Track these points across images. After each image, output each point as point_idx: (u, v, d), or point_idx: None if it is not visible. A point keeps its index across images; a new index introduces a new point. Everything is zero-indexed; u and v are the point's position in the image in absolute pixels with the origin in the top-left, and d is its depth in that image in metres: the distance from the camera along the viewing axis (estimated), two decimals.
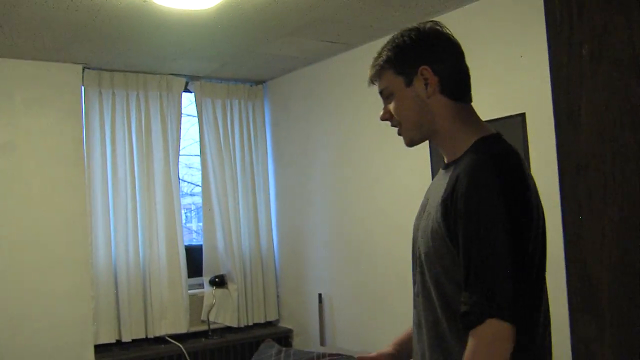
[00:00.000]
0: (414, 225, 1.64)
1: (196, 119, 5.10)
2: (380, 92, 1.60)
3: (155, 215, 4.70)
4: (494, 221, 1.35)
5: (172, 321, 4.68)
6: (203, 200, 5.04)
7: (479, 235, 1.35)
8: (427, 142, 1.68)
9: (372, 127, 4.32)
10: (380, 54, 1.59)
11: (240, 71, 4.99)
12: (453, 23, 1.67)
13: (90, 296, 4.37)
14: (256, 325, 5.14)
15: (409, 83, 1.53)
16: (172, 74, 4.86)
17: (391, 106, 1.58)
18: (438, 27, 1.58)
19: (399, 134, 1.62)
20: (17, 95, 4.20)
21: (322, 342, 4.73)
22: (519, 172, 1.42)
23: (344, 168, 4.64)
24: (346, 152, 4.61)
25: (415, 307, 1.59)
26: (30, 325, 4.10)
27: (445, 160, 1.59)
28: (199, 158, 5.09)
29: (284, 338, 5.10)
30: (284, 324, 5.24)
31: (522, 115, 3.36)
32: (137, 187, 4.64)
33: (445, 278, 1.43)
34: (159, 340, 4.65)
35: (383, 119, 1.62)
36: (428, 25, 1.58)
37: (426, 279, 1.49)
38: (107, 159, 4.56)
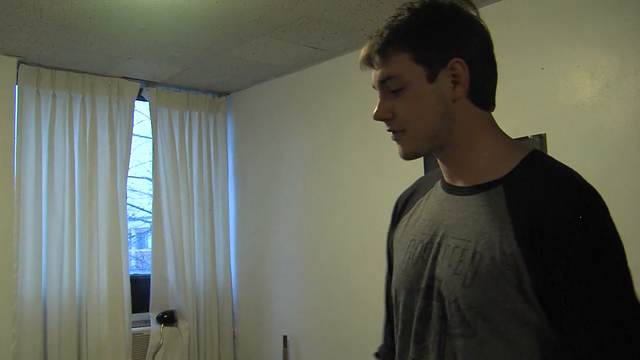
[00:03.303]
0: (413, 272, 1.19)
1: (143, 140, 4.49)
2: (383, 81, 1.15)
3: (97, 239, 4.04)
4: (624, 262, 1.02)
5: None
6: (153, 222, 4.40)
7: (615, 288, 1.00)
8: (421, 158, 1.23)
9: (353, 146, 3.82)
10: (388, 27, 1.14)
11: (203, 79, 4.40)
12: None
13: (11, 334, 3.67)
14: None
15: (432, 77, 1.12)
16: (124, 77, 4.24)
17: (398, 103, 1.14)
18: (463, 5, 1.16)
19: (396, 139, 1.18)
20: None
21: None
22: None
23: (316, 192, 4.10)
24: (319, 173, 4.07)
25: None
26: None
27: (462, 182, 1.18)
28: (140, 180, 4.47)
29: None
30: None
31: (542, 136, 2.90)
32: (76, 206, 3.99)
33: (520, 334, 1.04)
34: None
35: (380, 118, 1.16)
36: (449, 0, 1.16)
37: (476, 340, 1.06)
38: (42, 171, 3.89)
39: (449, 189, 1.20)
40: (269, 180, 4.49)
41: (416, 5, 1.14)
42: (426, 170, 3.36)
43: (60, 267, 3.90)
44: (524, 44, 3.01)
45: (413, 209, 1.30)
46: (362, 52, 1.17)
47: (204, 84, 4.54)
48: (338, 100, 3.93)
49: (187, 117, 4.58)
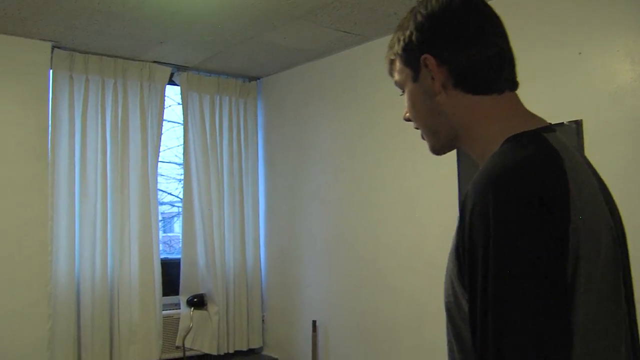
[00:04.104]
0: None
1: (170, 125, 4.52)
2: (396, 86, 1.24)
3: (129, 223, 4.08)
4: (505, 268, 0.89)
5: (142, 347, 4.07)
6: (184, 207, 4.42)
7: (484, 287, 0.90)
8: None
9: (384, 133, 3.80)
10: (390, 41, 1.23)
11: (233, 63, 4.40)
12: (498, 13, 1.20)
13: (47, 315, 3.73)
14: (237, 353, 4.56)
15: (416, 77, 1.17)
16: (155, 62, 4.25)
17: None
18: None
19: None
20: None
21: None
22: (555, 186, 0.95)
23: (347, 178, 4.08)
24: (350, 159, 4.05)
25: None
26: None
27: None
28: (167, 165, 4.50)
29: None
30: (269, 353, 4.64)
31: (579, 122, 2.84)
32: (108, 190, 4.03)
33: (468, 335, 1.00)
34: None
35: (404, 119, 1.25)
36: None
37: (450, 335, 1.08)
38: (75, 156, 3.93)
39: None
40: (299, 165, 4.48)
41: (417, 4, 1.19)
42: (459, 158, 3.33)
43: (93, 250, 3.95)
44: (561, 28, 2.95)
45: None
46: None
47: (235, 68, 4.54)
48: (369, 85, 3.90)
49: (218, 101, 4.59)
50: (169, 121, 5.32)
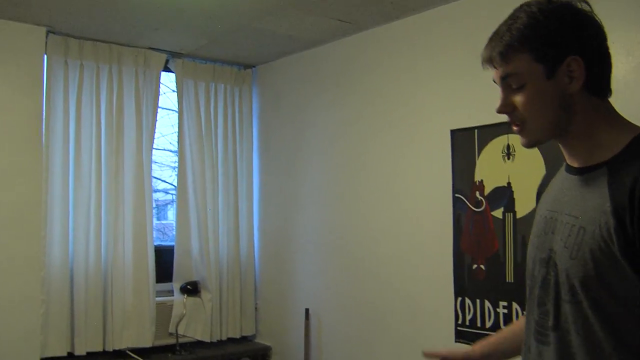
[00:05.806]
0: (538, 243, 1.37)
1: (165, 112, 4.51)
2: (503, 78, 1.29)
3: (123, 209, 4.08)
4: None
5: (135, 333, 4.07)
6: (178, 194, 4.42)
7: None
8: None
9: (380, 122, 3.80)
10: (508, 30, 1.27)
11: (229, 51, 4.39)
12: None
13: (40, 300, 3.75)
14: (230, 340, 4.57)
15: (550, 74, 1.24)
16: (151, 48, 4.24)
17: (518, 98, 1.27)
18: (576, 2, 1.28)
19: (518, 131, 1.31)
20: None
21: None
22: None
23: (341, 168, 4.08)
24: (345, 148, 4.06)
25: (545, 343, 1.31)
26: None
27: (577, 163, 1.32)
28: (161, 152, 4.51)
29: (261, 356, 4.54)
30: (262, 341, 4.66)
31: None
32: (103, 176, 4.03)
33: (616, 307, 1.18)
34: (119, 354, 4.06)
35: (502, 111, 1.31)
36: None
37: (582, 307, 1.22)
38: (69, 141, 3.93)
39: (568, 168, 1.34)
40: (294, 155, 4.48)
41: (533, 8, 1.25)
42: (453, 152, 3.33)
43: (87, 236, 3.95)
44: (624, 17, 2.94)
45: (548, 187, 1.45)
46: (484, 52, 1.30)
47: (230, 56, 4.53)
48: (365, 75, 3.90)
49: (213, 89, 4.58)
50: (163, 108, 5.31)
